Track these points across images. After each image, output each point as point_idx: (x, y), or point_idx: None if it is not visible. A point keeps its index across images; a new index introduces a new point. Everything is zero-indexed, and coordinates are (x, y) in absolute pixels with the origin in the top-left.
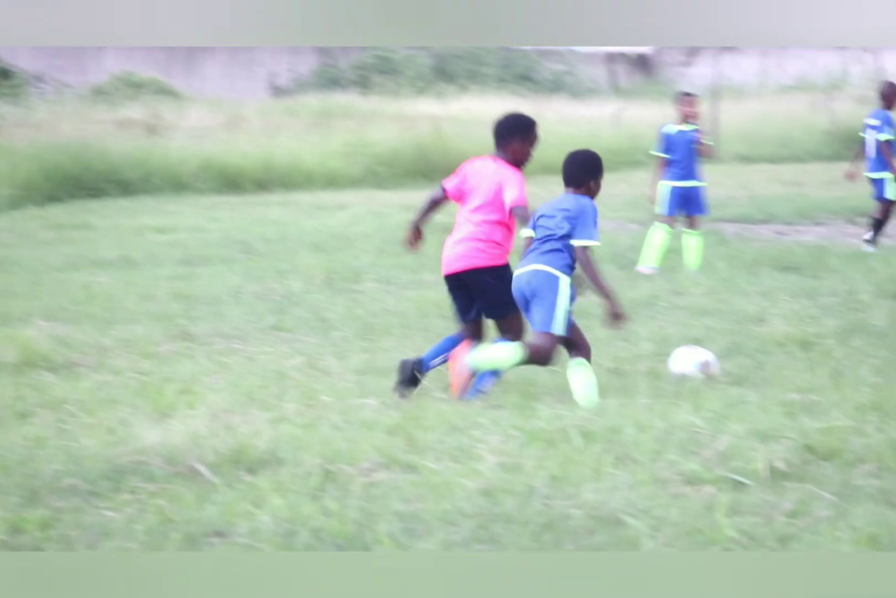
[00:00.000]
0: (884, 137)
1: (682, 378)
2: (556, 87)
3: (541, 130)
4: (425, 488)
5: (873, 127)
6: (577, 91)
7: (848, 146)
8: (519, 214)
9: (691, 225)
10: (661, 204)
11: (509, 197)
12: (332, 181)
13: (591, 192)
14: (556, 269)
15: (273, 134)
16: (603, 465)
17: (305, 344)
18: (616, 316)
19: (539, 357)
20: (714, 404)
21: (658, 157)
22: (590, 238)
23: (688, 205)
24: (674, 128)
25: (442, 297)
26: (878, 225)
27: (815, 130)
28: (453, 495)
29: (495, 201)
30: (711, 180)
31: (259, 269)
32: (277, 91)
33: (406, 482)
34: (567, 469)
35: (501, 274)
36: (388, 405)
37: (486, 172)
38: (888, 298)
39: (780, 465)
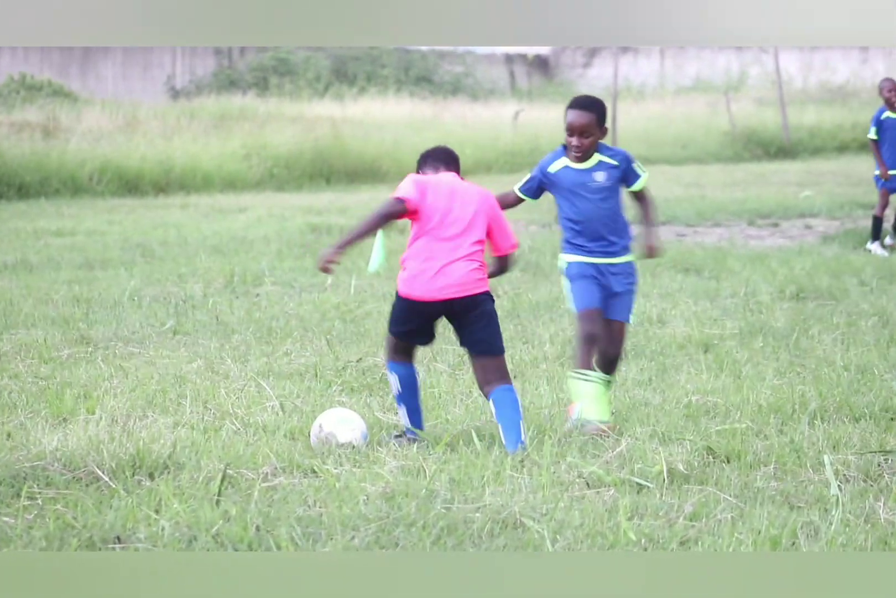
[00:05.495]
0: (869, 135)
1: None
2: (455, 88)
3: (441, 132)
4: (326, 493)
5: None
6: (477, 93)
7: (747, 147)
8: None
9: None
10: None
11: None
12: (232, 184)
13: None
14: None
15: (171, 136)
16: (504, 468)
17: (205, 348)
18: None
19: None
20: (615, 407)
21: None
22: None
23: None
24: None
25: (342, 300)
26: None
27: (715, 131)
28: (354, 500)
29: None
30: None
31: (158, 272)
32: (175, 93)
33: (307, 487)
34: (468, 473)
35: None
36: (287, 409)
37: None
38: (788, 299)
39: (681, 467)
